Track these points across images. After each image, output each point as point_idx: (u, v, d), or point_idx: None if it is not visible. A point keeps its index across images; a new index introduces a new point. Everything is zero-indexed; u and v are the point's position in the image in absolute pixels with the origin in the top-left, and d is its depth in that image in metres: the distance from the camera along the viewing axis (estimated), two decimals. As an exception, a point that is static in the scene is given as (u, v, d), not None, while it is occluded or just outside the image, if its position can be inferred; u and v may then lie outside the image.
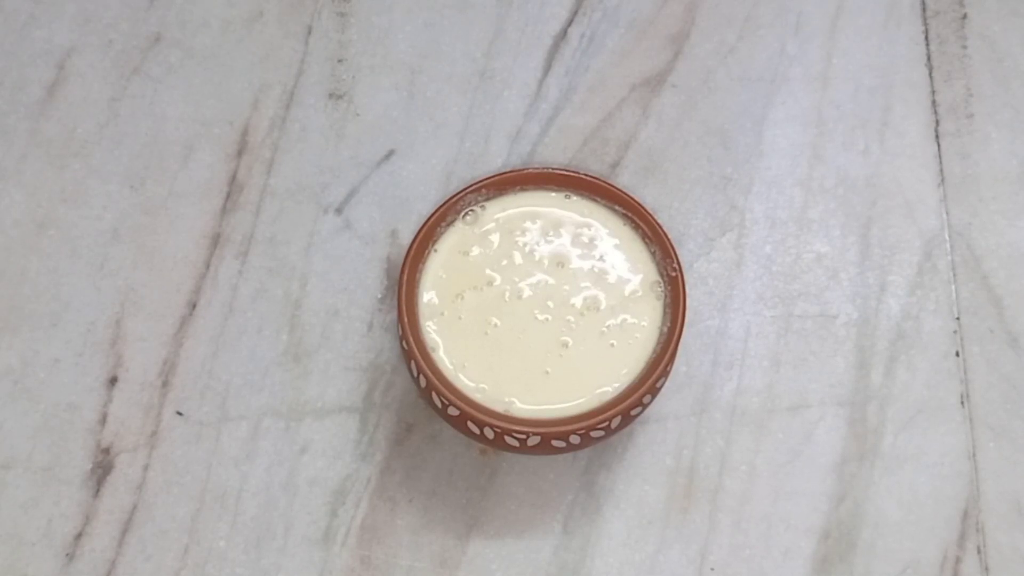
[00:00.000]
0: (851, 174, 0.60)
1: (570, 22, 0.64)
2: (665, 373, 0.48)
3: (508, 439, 0.47)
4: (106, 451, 0.52)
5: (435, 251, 0.50)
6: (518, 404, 0.47)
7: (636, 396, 0.47)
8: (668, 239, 0.50)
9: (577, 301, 0.49)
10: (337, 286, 0.56)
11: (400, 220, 0.58)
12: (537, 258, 0.50)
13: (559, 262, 0.50)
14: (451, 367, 0.48)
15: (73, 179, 0.59)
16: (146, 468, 0.52)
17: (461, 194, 0.51)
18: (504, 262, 0.50)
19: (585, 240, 0.51)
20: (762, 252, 0.58)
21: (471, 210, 0.51)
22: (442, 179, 0.59)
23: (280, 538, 0.51)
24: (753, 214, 0.59)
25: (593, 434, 0.47)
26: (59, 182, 0.59)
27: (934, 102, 0.62)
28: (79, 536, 0.51)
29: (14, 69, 0.62)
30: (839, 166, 0.60)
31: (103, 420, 0.53)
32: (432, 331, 0.49)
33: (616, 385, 0.48)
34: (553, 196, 0.52)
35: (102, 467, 0.52)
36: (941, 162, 0.61)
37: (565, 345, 0.48)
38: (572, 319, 0.49)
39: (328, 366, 0.54)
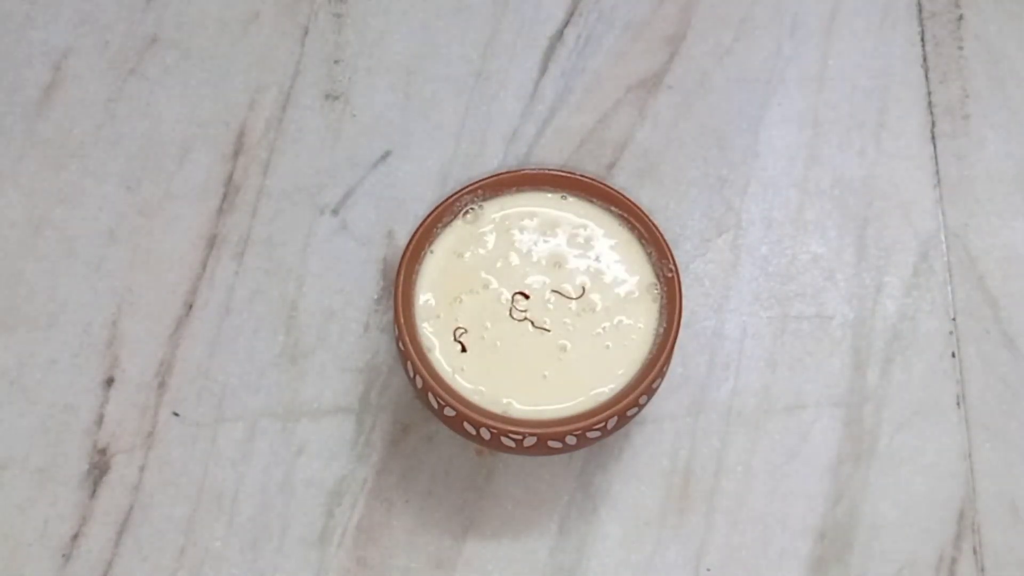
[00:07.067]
0: (847, 175, 0.60)
1: (566, 23, 0.64)
2: (661, 374, 0.48)
3: (504, 440, 0.47)
4: (102, 452, 0.52)
5: (431, 252, 0.50)
6: (516, 405, 0.47)
7: (632, 397, 0.47)
8: (664, 240, 0.50)
9: (573, 303, 0.49)
10: (333, 287, 0.56)
11: (396, 221, 0.58)
12: (534, 259, 0.50)
13: (556, 263, 0.50)
14: (448, 368, 0.48)
15: (69, 180, 0.59)
16: (142, 469, 0.52)
17: (457, 195, 0.51)
18: (500, 263, 0.50)
19: (581, 241, 0.51)
20: (758, 253, 0.58)
21: (471, 208, 0.51)
22: (438, 180, 0.59)
23: (276, 539, 0.51)
24: (749, 215, 0.59)
25: (589, 435, 0.47)
26: (55, 183, 0.59)
27: (930, 103, 0.62)
28: (75, 537, 0.51)
29: (10, 70, 0.61)
30: (835, 167, 0.60)
31: (99, 421, 0.53)
32: (429, 332, 0.49)
33: (612, 386, 0.48)
34: (549, 197, 0.52)
35: (98, 468, 0.52)
36: (937, 163, 0.61)
37: (563, 348, 0.49)
38: (568, 321, 0.49)
39: (324, 367, 0.54)
